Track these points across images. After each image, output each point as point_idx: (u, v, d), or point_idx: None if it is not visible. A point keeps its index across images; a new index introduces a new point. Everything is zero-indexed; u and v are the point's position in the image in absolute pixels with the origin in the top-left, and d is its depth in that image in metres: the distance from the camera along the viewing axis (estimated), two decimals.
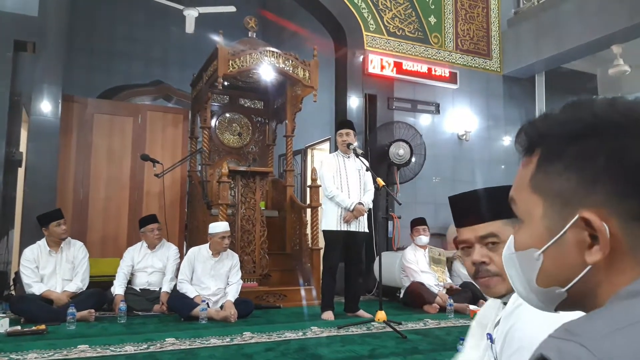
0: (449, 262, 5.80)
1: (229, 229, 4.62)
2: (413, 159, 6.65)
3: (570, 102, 0.58)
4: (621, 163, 0.52)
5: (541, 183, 0.58)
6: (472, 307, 4.80)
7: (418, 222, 5.56)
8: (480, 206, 1.21)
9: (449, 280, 5.45)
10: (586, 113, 0.56)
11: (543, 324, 0.70)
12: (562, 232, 0.56)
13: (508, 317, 1.08)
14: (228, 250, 4.68)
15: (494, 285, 1.18)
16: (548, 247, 0.57)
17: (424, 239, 5.46)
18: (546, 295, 0.59)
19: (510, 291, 1.13)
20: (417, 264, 5.36)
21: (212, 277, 4.57)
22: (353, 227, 4.56)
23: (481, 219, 1.20)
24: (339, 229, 4.53)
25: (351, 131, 4.72)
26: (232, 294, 4.49)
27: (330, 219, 4.56)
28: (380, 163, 6.52)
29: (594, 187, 0.53)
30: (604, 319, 0.48)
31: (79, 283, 4.48)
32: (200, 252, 4.64)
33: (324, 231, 4.65)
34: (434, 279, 5.28)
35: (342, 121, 5.14)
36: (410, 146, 6.59)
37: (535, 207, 0.59)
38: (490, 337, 1.20)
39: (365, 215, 4.64)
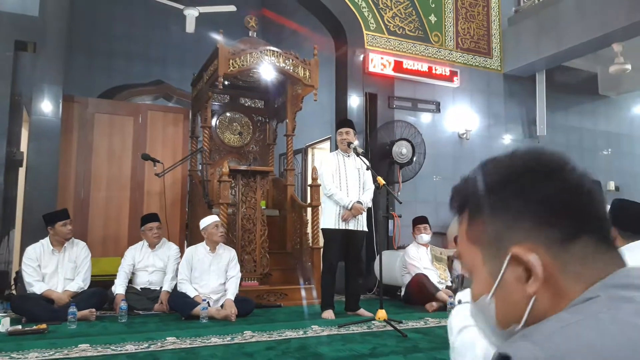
0: (450, 261, 5.80)
1: (217, 219, 4.70)
2: (414, 158, 6.65)
3: (483, 162, 0.68)
4: (535, 200, 0.60)
5: (475, 234, 0.66)
6: None
7: (420, 221, 5.57)
8: None
9: (450, 279, 5.46)
10: (499, 167, 0.65)
11: None
12: (501, 273, 0.62)
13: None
14: (224, 245, 4.73)
15: None
16: (494, 290, 0.63)
17: (425, 237, 5.47)
18: (510, 336, 0.61)
19: None
20: (419, 260, 5.38)
21: (213, 272, 4.58)
22: (352, 226, 4.57)
23: None
24: (337, 227, 4.53)
25: (351, 130, 4.72)
26: (231, 291, 4.50)
27: (328, 218, 4.57)
28: (381, 162, 6.52)
29: (517, 226, 0.61)
30: (552, 321, 0.55)
31: (80, 282, 4.49)
32: (197, 250, 4.66)
33: (322, 229, 4.65)
34: (436, 276, 5.30)
35: (342, 120, 5.14)
36: (412, 145, 6.59)
37: (476, 257, 0.66)
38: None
39: (364, 214, 4.64)
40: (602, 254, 0.60)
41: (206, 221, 4.65)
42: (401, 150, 6.48)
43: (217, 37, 5.41)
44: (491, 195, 0.64)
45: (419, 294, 5.11)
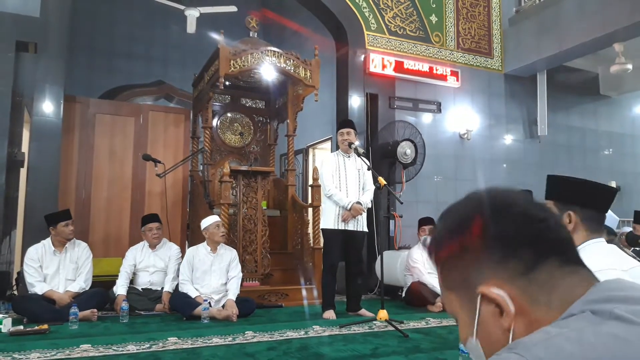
0: None
1: (218, 219, 4.70)
2: (417, 158, 6.65)
3: (443, 212, 0.71)
4: (490, 238, 0.64)
5: (448, 282, 0.70)
6: None
7: (425, 222, 5.50)
8: None
9: None
10: (454, 215, 0.69)
11: None
12: (477, 314, 0.65)
13: None
14: (225, 245, 4.73)
15: None
16: (475, 331, 0.66)
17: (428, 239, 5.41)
18: None
19: None
20: (423, 264, 5.30)
21: (214, 272, 4.59)
22: (351, 226, 4.56)
23: None
24: (337, 228, 4.53)
25: (352, 130, 4.72)
26: (233, 291, 4.50)
27: (328, 218, 4.57)
28: (382, 162, 6.52)
29: (479, 266, 0.64)
30: (537, 334, 0.57)
31: (81, 283, 4.50)
32: (198, 251, 4.66)
33: (322, 230, 4.66)
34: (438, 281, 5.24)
35: (343, 120, 5.14)
36: (415, 145, 6.59)
37: (454, 303, 0.69)
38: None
39: (364, 214, 4.64)
40: (570, 275, 0.63)
41: (207, 221, 4.65)
42: (405, 150, 6.49)
43: (218, 37, 5.41)
44: (449, 241, 0.68)
45: (418, 300, 5.11)
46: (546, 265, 0.62)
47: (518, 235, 0.63)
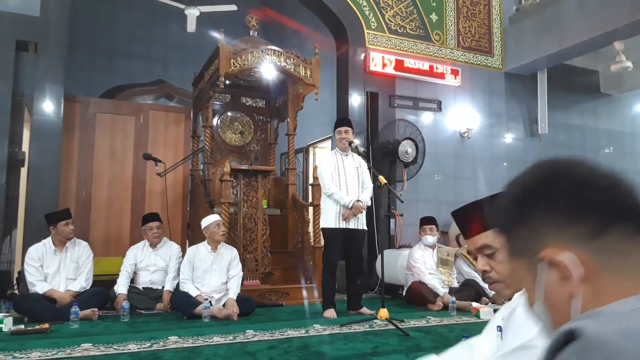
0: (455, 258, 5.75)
1: (218, 218, 4.70)
2: (418, 157, 6.65)
3: (509, 181, 0.71)
4: (557, 203, 0.64)
5: (513, 249, 0.70)
6: (475, 304, 4.80)
7: (426, 221, 5.44)
8: (472, 219, 1.29)
9: (456, 284, 5.37)
10: (520, 181, 0.69)
11: None
12: (543, 279, 0.64)
13: (512, 301, 1.16)
14: (226, 244, 4.73)
15: (499, 290, 1.28)
16: (541, 297, 0.65)
17: (430, 239, 5.35)
18: None
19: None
20: (424, 264, 5.28)
21: (214, 271, 4.59)
22: (352, 225, 4.57)
23: (475, 231, 1.28)
24: (337, 227, 4.53)
25: (350, 129, 4.72)
26: (233, 290, 4.51)
27: (328, 217, 4.57)
28: (382, 161, 6.52)
29: (545, 230, 0.64)
30: (617, 305, 0.57)
31: (82, 282, 4.50)
32: (198, 250, 4.66)
33: (323, 229, 4.66)
34: (439, 282, 5.20)
35: (340, 119, 5.14)
36: (416, 144, 6.60)
37: (519, 270, 0.69)
38: (500, 329, 1.29)
39: (364, 212, 4.64)
40: None
41: (207, 220, 4.65)
42: (406, 149, 6.49)
43: (218, 36, 5.41)
44: (513, 208, 0.68)
45: (419, 299, 5.10)
46: (616, 232, 0.61)
47: (582, 200, 0.63)
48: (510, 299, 1.30)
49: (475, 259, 1.29)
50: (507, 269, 1.22)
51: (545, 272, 0.64)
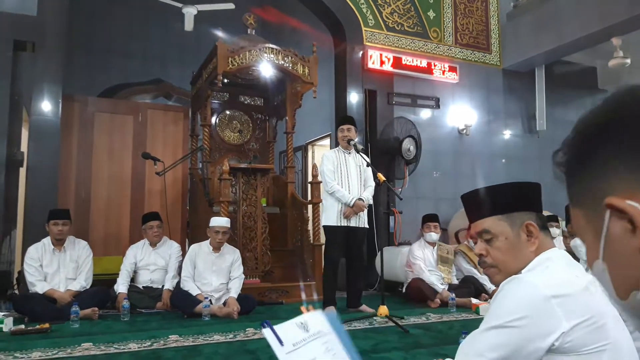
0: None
1: (225, 225, 4.62)
2: (417, 154, 6.67)
3: (580, 118, 0.61)
4: (626, 144, 0.53)
5: (574, 196, 0.60)
6: (474, 300, 4.81)
7: (429, 218, 5.45)
8: (477, 204, 1.33)
9: (455, 281, 5.37)
10: (587, 120, 0.59)
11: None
12: (604, 231, 0.55)
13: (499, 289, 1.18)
14: (228, 245, 4.71)
15: (492, 275, 1.31)
16: (602, 252, 0.56)
17: (434, 236, 5.35)
18: (635, 307, 0.55)
19: None
20: (424, 261, 5.28)
21: (214, 272, 4.58)
22: (353, 223, 4.57)
23: (479, 215, 1.32)
24: (339, 225, 4.53)
25: (352, 127, 4.72)
26: (235, 290, 4.51)
27: (330, 215, 4.57)
28: (382, 158, 6.53)
29: (611, 175, 0.54)
30: None
31: (82, 282, 4.50)
32: (201, 249, 4.66)
33: (324, 227, 4.66)
34: (438, 279, 5.21)
35: (343, 117, 5.14)
36: (416, 142, 6.61)
37: (580, 220, 0.60)
38: None
39: (366, 210, 4.65)
40: None
41: (213, 222, 4.60)
42: (409, 147, 6.51)
43: (216, 34, 5.41)
44: (578, 147, 0.59)
45: (418, 296, 5.11)
46: None
47: None
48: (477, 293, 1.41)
49: (477, 242, 1.34)
50: (502, 255, 1.26)
51: (609, 223, 0.54)
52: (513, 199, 1.30)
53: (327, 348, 0.96)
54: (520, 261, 1.24)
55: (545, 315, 1.04)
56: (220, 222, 4.60)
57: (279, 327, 1.04)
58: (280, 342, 1.02)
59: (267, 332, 1.04)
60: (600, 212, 0.55)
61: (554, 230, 5.48)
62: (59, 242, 4.50)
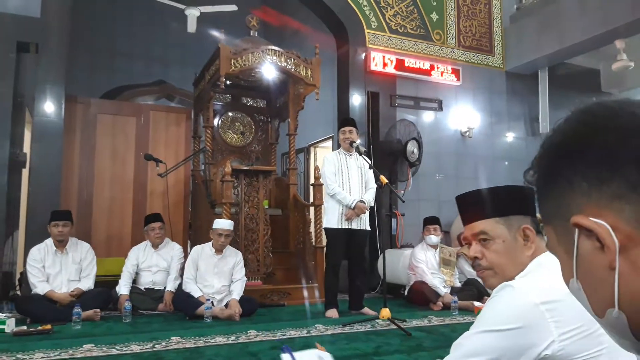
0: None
1: (228, 228, 4.61)
2: (420, 156, 6.67)
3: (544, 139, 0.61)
4: (589, 157, 0.53)
5: (544, 213, 0.60)
6: (477, 303, 4.79)
7: (429, 221, 5.43)
8: (475, 205, 1.31)
9: (458, 284, 5.36)
10: (553, 134, 0.58)
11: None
12: (575, 249, 0.54)
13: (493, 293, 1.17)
14: (231, 247, 4.70)
15: (486, 278, 1.29)
16: (576, 270, 0.56)
17: (434, 238, 5.34)
18: (612, 325, 0.54)
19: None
20: (426, 264, 5.27)
21: (216, 274, 4.58)
22: (354, 225, 4.56)
23: (476, 217, 1.29)
24: (340, 227, 4.52)
25: (354, 129, 4.71)
26: (237, 292, 4.50)
27: (331, 217, 4.56)
28: (385, 160, 6.52)
29: (576, 191, 0.53)
30: None
31: (90, 284, 4.51)
32: (203, 251, 4.65)
33: (325, 229, 4.65)
34: (441, 282, 5.20)
35: (344, 119, 5.13)
36: (419, 144, 6.61)
37: (552, 238, 0.59)
38: None
39: (367, 212, 4.64)
40: None
41: (217, 224, 4.59)
42: (413, 149, 6.51)
43: (219, 36, 5.41)
44: (546, 167, 0.58)
45: (420, 298, 5.10)
46: None
47: (620, 150, 0.51)
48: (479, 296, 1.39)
49: (470, 244, 1.31)
50: (498, 258, 1.25)
51: (578, 241, 0.53)
52: (511, 201, 1.28)
53: None
54: (516, 265, 1.23)
55: (535, 324, 1.03)
56: (223, 224, 4.60)
57: (298, 354, 1.04)
58: None
59: (285, 357, 1.03)
60: (570, 231, 0.54)
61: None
62: (60, 244, 4.50)
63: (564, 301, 1.04)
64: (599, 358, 1.03)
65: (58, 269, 4.46)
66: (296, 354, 1.05)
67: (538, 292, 1.06)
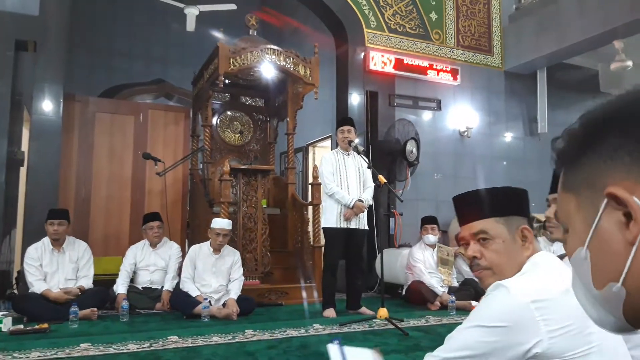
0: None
1: (227, 227, 4.60)
2: (419, 156, 6.67)
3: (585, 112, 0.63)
4: (635, 135, 0.53)
5: (569, 181, 0.60)
6: (474, 303, 4.79)
7: (427, 221, 5.44)
8: (474, 205, 1.31)
9: (455, 283, 5.36)
10: (599, 107, 0.61)
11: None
12: (597, 219, 0.55)
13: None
14: (229, 247, 4.70)
15: (484, 277, 1.29)
16: (590, 239, 0.56)
17: (432, 238, 5.34)
18: (607, 299, 0.55)
19: None
20: (424, 264, 5.28)
21: (214, 274, 4.57)
22: (353, 225, 4.56)
23: (475, 217, 1.29)
24: (339, 226, 4.52)
25: (352, 128, 4.71)
26: (235, 291, 4.49)
27: (330, 216, 4.56)
28: (382, 160, 6.52)
29: (614, 164, 0.54)
30: None
31: (89, 282, 4.51)
32: (201, 250, 4.64)
33: (324, 228, 4.65)
34: (438, 281, 5.19)
35: (343, 118, 5.13)
36: (417, 143, 6.61)
37: (570, 206, 0.60)
38: None
39: (365, 212, 4.64)
40: None
41: (214, 223, 4.59)
42: (412, 149, 6.51)
43: (218, 35, 5.41)
44: (586, 135, 0.58)
45: (418, 298, 5.10)
46: None
47: None
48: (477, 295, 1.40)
49: (467, 244, 1.31)
50: (498, 257, 1.25)
51: (604, 213, 0.54)
52: (510, 202, 1.29)
53: None
54: (514, 265, 1.23)
55: (524, 322, 1.05)
56: (221, 224, 4.59)
57: (348, 349, 1.03)
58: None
59: (332, 348, 1.02)
60: (595, 201, 0.55)
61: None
62: (56, 242, 4.49)
63: (555, 300, 1.06)
64: (589, 356, 1.04)
65: (55, 267, 4.45)
66: (347, 349, 1.04)
67: (530, 291, 1.08)
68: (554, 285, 1.10)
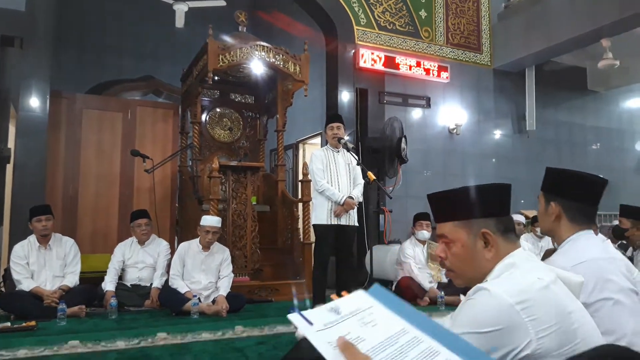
0: None
1: (216, 224, 4.57)
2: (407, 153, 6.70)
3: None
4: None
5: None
6: (462, 297, 4.81)
7: (421, 217, 5.45)
8: (438, 207, 1.36)
9: (445, 279, 5.39)
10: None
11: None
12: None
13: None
14: (218, 244, 4.68)
15: (452, 278, 1.34)
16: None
17: (426, 234, 5.36)
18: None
19: (468, 284, 1.27)
20: (414, 259, 5.29)
21: (203, 271, 4.55)
22: (343, 221, 4.56)
23: (439, 219, 1.34)
24: (329, 223, 4.52)
25: (341, 125, 4.71)
26: (224, 288, 4.48)
27: (320, 213, 4.55)
28: (372, 157, 6.53)
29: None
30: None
31: (75, 279, 4.46)
32: (190, 247, 4.62)
33: (314, 225, 4.64)
34: (428, 277, 5.22)
35: (332, 115, 5.13)
36: (405, 141, 6.62)
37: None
38: None
39: (355, 208, 4.64)
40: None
41: (204, 221, 4.55)
42: (403, 146, 6.53)
43: (207, 32, 5.38)
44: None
45: (408, 294, 5.12)
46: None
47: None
48: (463, 289, 1.45)
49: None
50: (458, 261, 1.29)
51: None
52: (472, 206, 1.28)
53: (363, 322, 0.93)
54: (476, 269, 1.25)
55: (513, 325, 1.06)
56: (211, 221, 4.56)
57: (307, 312, 1.00)
58: (309, 322, 0.98)
59: (293, 317, 1.00)
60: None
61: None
62: (44, 239, 4.43)
63: (536, 299, 1.08)
64: (576, 352, 1.05)
65: (42, 265, 4.40)
66: (305, 312, 1.01)
67: (511, 293, 1.09)
68: (532, 284, 1.11)
